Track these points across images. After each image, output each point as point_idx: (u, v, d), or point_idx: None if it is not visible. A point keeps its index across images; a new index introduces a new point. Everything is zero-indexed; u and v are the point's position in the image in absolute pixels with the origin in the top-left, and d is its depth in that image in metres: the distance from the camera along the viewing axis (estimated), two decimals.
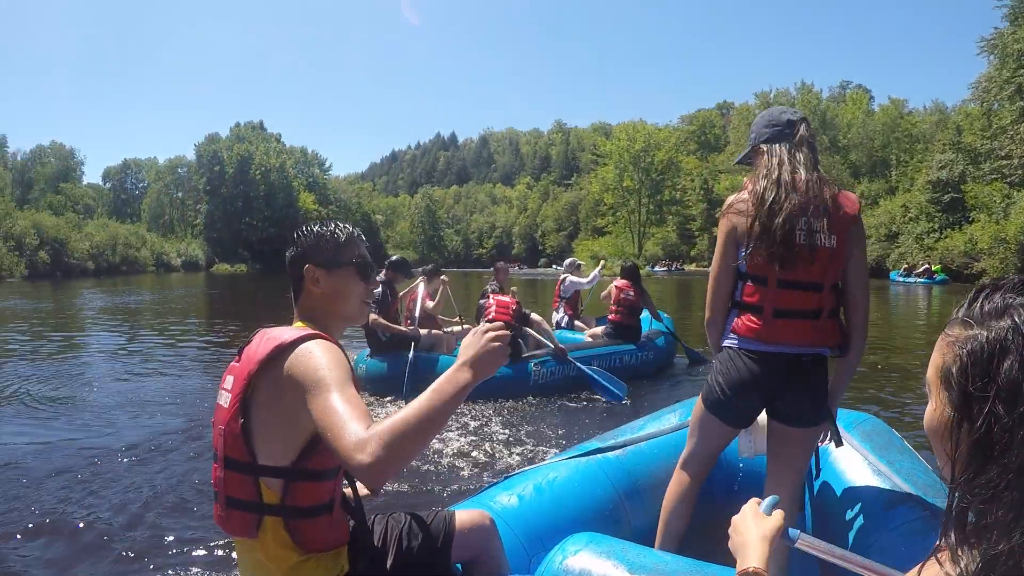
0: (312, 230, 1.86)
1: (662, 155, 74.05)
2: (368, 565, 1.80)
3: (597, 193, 79.47)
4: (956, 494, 0.87)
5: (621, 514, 2.67)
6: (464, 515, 2.03)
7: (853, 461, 2.65)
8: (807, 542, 1.29)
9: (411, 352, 6.66)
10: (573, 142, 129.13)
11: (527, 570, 2.24)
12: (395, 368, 6.65)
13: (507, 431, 5.59)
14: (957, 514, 0.87)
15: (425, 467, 4.61)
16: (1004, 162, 36.29)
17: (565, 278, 9.48)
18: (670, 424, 3.08)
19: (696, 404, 2.61)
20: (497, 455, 4.93)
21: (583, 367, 7.07)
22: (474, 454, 4.96)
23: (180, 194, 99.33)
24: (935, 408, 0.92)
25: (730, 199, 2.43)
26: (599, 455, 2.83)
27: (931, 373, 0.93)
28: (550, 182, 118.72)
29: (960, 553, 0.85)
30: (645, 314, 8.59)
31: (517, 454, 4.95)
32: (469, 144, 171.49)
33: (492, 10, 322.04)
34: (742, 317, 2.36)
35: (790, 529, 1.29)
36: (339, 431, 1.39)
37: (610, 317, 8.38)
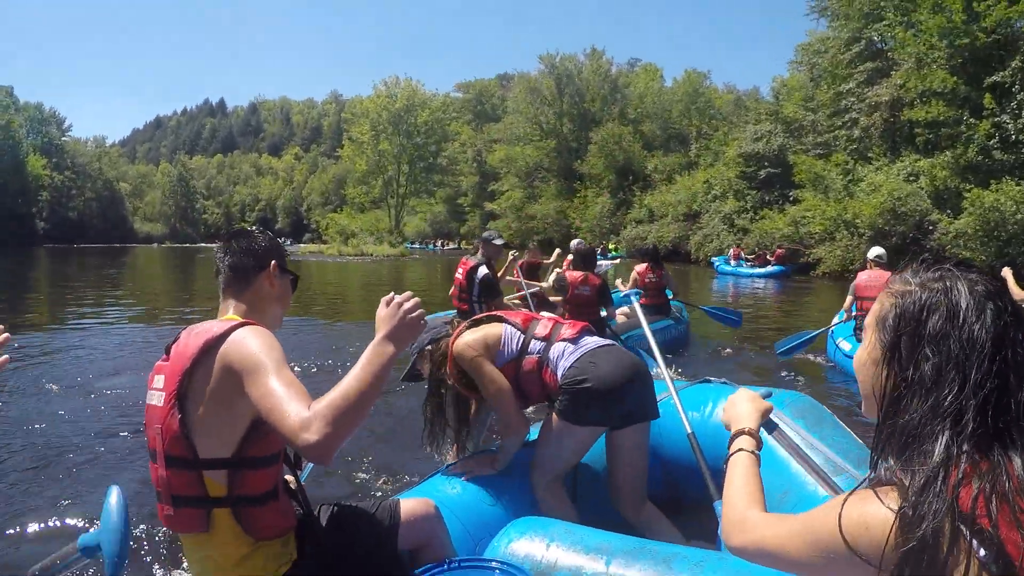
0: (265, 231, 2.06)
1: (426, 116, 63.72)
2: (316, 553, 1.86)
3: (348, 158, 69.12)
4: (886, 424, 1.01)
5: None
6: (409, 503, 2.12)
7: (786, 437, 2.76)
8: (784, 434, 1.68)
9: None
10: (349, 112, 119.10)
11: (473, 555, 2.31)
12: None
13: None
14: (886, 445, 1.00)
15: (369, 459, 4.66)
16: (843, 132, 30.15)
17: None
18: None
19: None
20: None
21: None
22: (418, 445, 4.26)
23: None
24: (867, 348, 1.09)
25: None
26: None
27: (870, 319, 1.09)
28: (319, 154, 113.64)
29: (898, 480, 0.96)
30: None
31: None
32: (238, 112, 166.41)
33: None
34: None
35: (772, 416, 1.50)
36: (282, 413, 1.48)
37: (641, 301, 7.20)
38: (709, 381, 3.51)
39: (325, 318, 13.04)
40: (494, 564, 1.99)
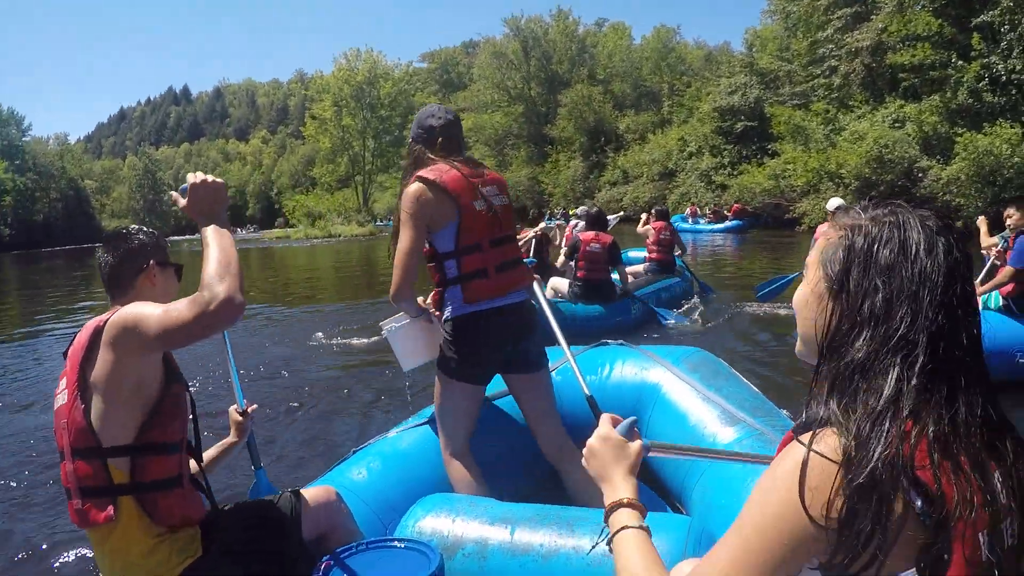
0: (144, 228, 2.10)
1: (389, 87, 60.94)
2: (220, 548, 1.87)
3: (312, 137, 66.19)
4: (829, 364, 0.98)
5: None
6: (310, 493, 2.14)
7: (683, 392, 2.94)
8: (659, 449, 1.35)
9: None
10: (313, 91, 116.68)
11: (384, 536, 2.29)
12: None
13: (354, 406, 5.61)
14: (829, 385, 0.96)
15: (274, 456, 4.48)
16: (822, 80, 29.31)
17: (576, 223, 10.15)
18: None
19: (439, 385, 2.78)
20: (345, 432, 4.91)
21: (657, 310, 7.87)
22: (322, 435, 4.94)
23: None
24: (810, 283, 1.04)
25: (412, 190, 2.63)
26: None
27: (812, 256, 1.05)
28: (287, 135, 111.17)
29: (840, 422, 0.91)
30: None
31: (366, 427, 4.90)
32: (203, 98, 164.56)
33: None
34: (469, 284, 2.63)
35: (646, 440, 1.30)
36: (179, 311, 1.60)
37: (652, 256, 9.30)
38: (606, 344, 3.55)
39: (301, 304, 12.54)
40: (399, 543, 2.01)
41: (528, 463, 3.08)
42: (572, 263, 7.59)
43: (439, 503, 2.32)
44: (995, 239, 5.67)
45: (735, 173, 31.59)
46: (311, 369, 6.98)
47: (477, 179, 2.69)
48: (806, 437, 0.92)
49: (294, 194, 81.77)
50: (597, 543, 1.33)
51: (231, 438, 2.50)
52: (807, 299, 1.04)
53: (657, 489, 2.90)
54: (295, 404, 5.67)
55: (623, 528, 1.16)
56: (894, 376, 0.91)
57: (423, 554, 1.93)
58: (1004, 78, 20.59)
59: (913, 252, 0.95)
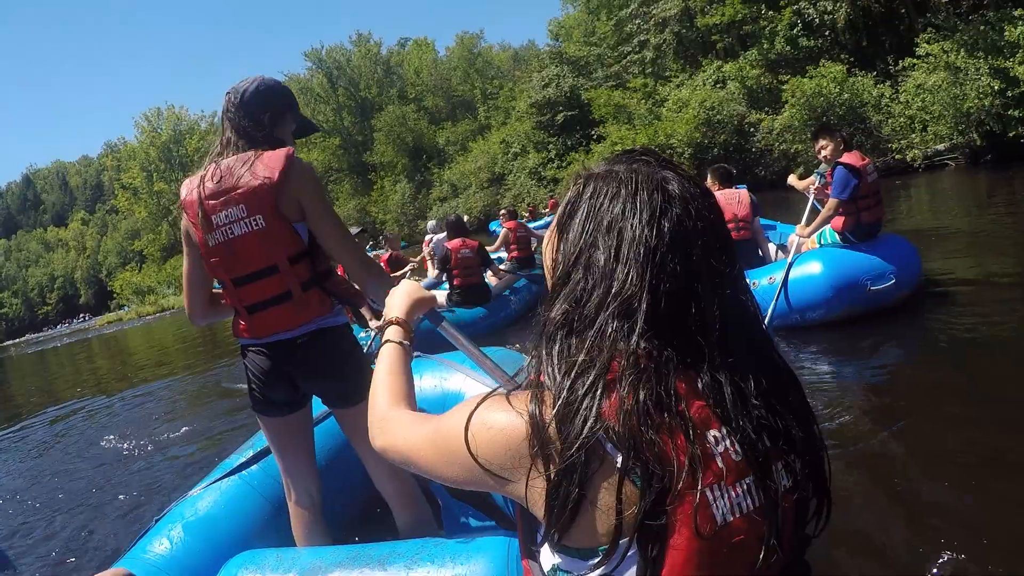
0: None
1: (196, 141, 57.33)
2: None
3: (126, 208, 63.92)
4: (547, 308, 0.94)
5: (280, 522, 2.61)
6: None
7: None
8: (448, 330, 1.45)
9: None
10: (119, 160, 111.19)
11: None
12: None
13: (146, 470, 5.18)
14: (544, 331, 0.92)
15: (66, 547, 3.96)
16: (635, 56, 28.85)
17: (431, 238, 11.26)
18: None
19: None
20: (143, 501, 4.43)
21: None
22: (114, 512, 4.42)
23: None
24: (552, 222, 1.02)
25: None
26: (242, 471, 2.76)
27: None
28: (105, 212, 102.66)
29: (545, 377, 0.88)
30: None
31: (166, 492, 4.41)
32: (12, 188, 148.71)
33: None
34: (235, 317, 2.29)
35: (445, 312, 1.46)
36: None
37: (512, 255, 9.49)
38: (419, 357, 3.30)
39: (155, 380, 10.91)
40: None
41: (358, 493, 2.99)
42: (444, 274, 7.68)
43: (245, 562, 2.12)
44: (811, 179, 5.58)
45: (564, 165, 30.75)
46: (132, 443, 6.14)
47: (217, 200, 2.11)
48: (499, 397, 0.89)
49: (123, 272, 75.76)
50: (369, 349, 1.40)
51: None
52: (549, 235, 1.02)
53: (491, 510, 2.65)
54: (105, 477, 5.22)
55: (386, 342, 1.29)
56: (609, 335, 0.85)
57: None
58: (817, 20, 20.13)
59: (639, 211, 0.88)
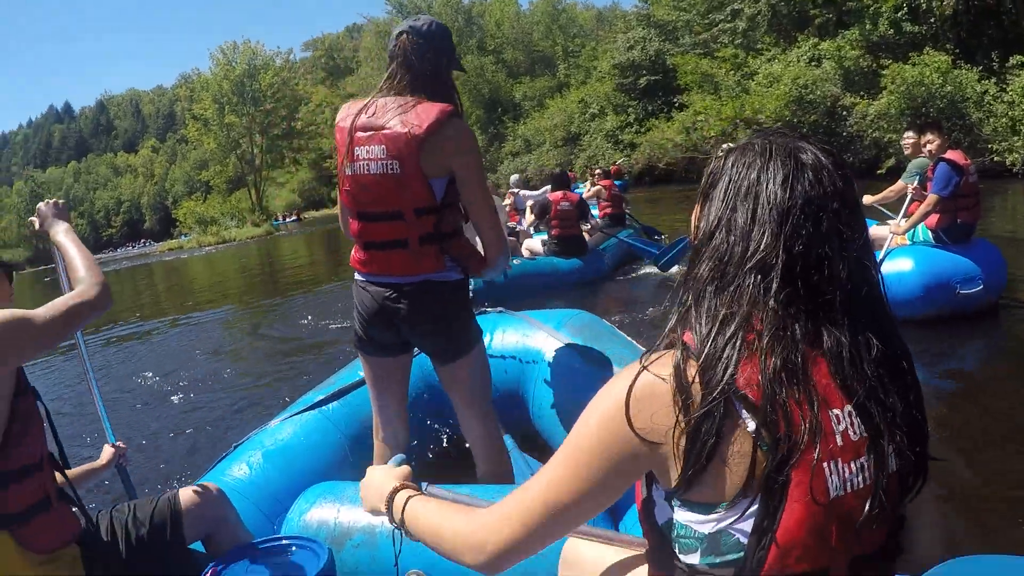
0: None
1: (270, 77, 56.09)
2: (103, 567, 1.74)
3: (195, 139, 61.71)
4: (690, 272, 0.99)
5: (356, 458, 2.67)
6: (188, 492, 1.97)
7: (568, 354, 2.87)
8: (433, 491, 1.31)
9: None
10: (186, 90, 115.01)
11: (270, 533, 2.22)
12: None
13: (229, 400, 5.40)
14: (689, 294, 0.97)
15: (151, 457, 4.24)
16: (727, 25, 27.74)
17: (516, 191, 11.06)
18: None
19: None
20: (224, 426, 4.68)
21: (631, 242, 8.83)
22: (200, 431, 4.67)
23: None
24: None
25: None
26: (322, 406, 2.85)
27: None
28: (176, 141, 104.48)
29: (681, 340, 0.92)
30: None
31: (245, 420, 4.67)
32: (86, 113, 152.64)
33: None
34: (354, 248, 2.37)
35: (420, 482, 1.31)
36: (66, 304, 1.65)
37: (605, 211, 9.90)
38: (485, 311, 3.45)
39: (211, 308, 11.80)
40: (286, 542, 1.92)
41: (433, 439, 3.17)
42: (542, 224, 8.28)
43: (323, 493, 2.17)
44: (882, 194, 5.63)
45: (642, 130, 29.98)
46: (200, 371, 6.55)
47: (364, 133, 2.18)
48: (635, 366, 0.93)
49: (187, 201, 76.17)
50: (395, 539, 1.28)
51: (98, 463, 2.24)
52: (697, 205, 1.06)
53: None
54: (177, 401, 5.57)
55: (407, 500, 1.20)
56: (748, 291, 0.91)
57: (311, 551, 1.86)
58: (923, 6, 19.17)
59: (772, 177, 0.94)
